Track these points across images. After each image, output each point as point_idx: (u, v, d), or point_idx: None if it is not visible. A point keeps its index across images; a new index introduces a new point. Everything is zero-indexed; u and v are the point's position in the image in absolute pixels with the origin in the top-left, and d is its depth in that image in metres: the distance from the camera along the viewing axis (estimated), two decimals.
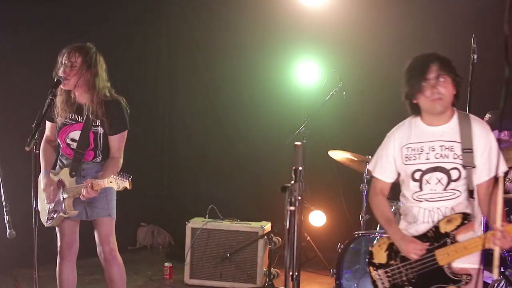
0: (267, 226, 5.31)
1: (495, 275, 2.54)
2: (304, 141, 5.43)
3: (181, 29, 7.11)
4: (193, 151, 7.12)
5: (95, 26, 5.98)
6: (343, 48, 6.24)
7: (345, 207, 6.20)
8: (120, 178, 3.41)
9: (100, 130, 3.66)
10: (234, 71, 6.86)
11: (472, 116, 2.88)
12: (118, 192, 3.57)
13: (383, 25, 6.09)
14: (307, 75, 6.35)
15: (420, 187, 2.85)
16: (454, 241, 2.73)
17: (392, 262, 2.90)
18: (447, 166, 2.79)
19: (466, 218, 2.72)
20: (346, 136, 6.18)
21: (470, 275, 2.72)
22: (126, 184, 3.41)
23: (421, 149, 2.86)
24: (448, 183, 2.78)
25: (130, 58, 6.69)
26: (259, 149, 6.79)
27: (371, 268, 2.99)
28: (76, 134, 3.66)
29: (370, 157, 4.53)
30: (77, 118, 3.67)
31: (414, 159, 2.87)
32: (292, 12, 6.40)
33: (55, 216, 3.66)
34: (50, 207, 3.69)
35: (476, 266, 2.75)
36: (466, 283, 2.71)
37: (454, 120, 2.86)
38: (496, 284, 3.87)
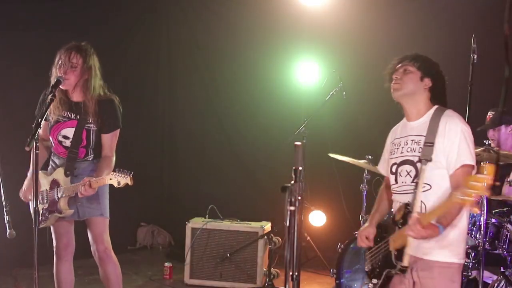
0: (267, 226, 5.31)
1: (405, 262, 2.68)
2: (304, 141, 5.41)
3: (181, 29, 7.11)
4: (193, 151, 7.12)
5: (95, 26, 5.99)
6: (343, 48, 6.23)
7: (345, 207, 6.20)
8: (120, 175, 3.42)
9: (93, 127, 3.66)
10: (234, 71, 6.86)
11: (447, 111, 2.86)
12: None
13: (383, 25, 6.08)
14: (307, 75, 6.36)
15: (396, 180, 2.93)
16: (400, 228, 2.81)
17: (373, 245, 3.02)
18: (414, 159, 2.85)
19: (406, 208, 2.78)
20: (346, 136, 6.19)
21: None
22: (127, 180, 3.43)
23: (399, 143, 2.96)
24: (416, 175, 2.83)
25: (130, 58, 6.70)
26: (259, 149, 6.78)
27: (366, 250, 3.12)
28: (68, 131, 3.66)
29: (370, 157, 4.55)
30: (70, 116, 3.67)
31: (394, 154, 2.97)
32: (292, 12, 6.40)
33: (49, 216, 3.65)
34: (44, 207, 3.68)
35: (433, 258, 2.75)
36: (402, 270, 2.74)
37: (428, 115, 2.89)
38: (496, 284, 3.86)
